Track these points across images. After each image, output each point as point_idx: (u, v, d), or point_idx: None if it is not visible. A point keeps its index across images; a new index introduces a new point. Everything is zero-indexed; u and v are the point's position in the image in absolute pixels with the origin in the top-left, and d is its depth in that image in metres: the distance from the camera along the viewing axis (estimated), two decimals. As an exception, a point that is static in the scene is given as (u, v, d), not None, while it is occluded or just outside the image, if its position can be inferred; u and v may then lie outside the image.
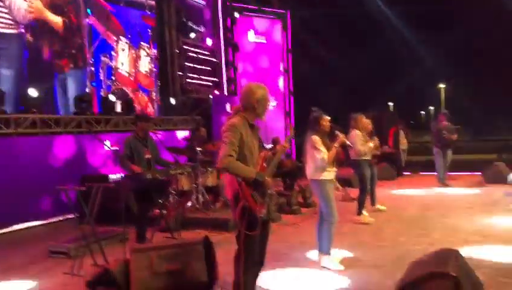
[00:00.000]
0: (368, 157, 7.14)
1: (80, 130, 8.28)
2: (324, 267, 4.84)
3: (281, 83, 14.28)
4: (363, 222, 6.90)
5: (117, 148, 6.95)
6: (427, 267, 3.35)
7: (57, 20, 9.01)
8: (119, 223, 5.32)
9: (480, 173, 11.04)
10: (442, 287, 3.10)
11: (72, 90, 9.22)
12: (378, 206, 7.74)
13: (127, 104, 9.70)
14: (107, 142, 7.65)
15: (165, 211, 6.28)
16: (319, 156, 4.87)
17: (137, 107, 10.43)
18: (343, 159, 7.34)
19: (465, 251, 4.58)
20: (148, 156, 5.80)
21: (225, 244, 5.11)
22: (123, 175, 6.77)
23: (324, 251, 4.96)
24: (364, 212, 7.13)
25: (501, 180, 9.94)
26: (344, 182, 9.25)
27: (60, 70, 9.12)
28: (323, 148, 4.90)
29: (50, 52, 8.90)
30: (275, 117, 13.65)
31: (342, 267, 4.82)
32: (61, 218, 7.60)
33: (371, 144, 7.11)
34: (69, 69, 9.28)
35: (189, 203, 7.41)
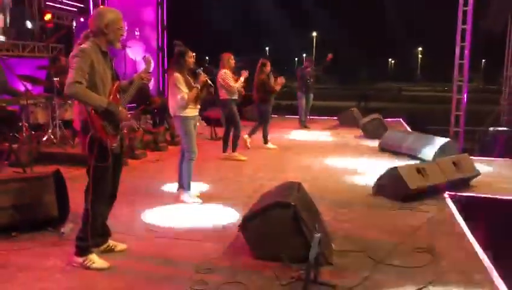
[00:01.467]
0: (236, 97, 7.27)
1: None
2: (183, 201, 4.97)
3: (153, 15, 13.59)
4: (237, 159, 7.17)
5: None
6: (272, 198, 3.64)
7: None
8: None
9: (336, 118, 12.13)
10: (283, 215, 3.41)
11: None
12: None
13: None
14: None
15: (15, 145, 5.79)
16: (179, 96, 4.84)
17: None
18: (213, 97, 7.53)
19: (311, 186, 5.05)
20: (-7, 83, 5.24)
21: (81, 179, 4.88)
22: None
23: (184, 186, 5.07)
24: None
25: (354, 124, 10.95)
26: (214, 121, 9.40)
27: None
28: (184, 88, 4.86)
29: None
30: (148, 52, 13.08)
31: (200, 201, 4.99)
32: None
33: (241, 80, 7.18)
34: None
35: (44, 138, 6.92)
